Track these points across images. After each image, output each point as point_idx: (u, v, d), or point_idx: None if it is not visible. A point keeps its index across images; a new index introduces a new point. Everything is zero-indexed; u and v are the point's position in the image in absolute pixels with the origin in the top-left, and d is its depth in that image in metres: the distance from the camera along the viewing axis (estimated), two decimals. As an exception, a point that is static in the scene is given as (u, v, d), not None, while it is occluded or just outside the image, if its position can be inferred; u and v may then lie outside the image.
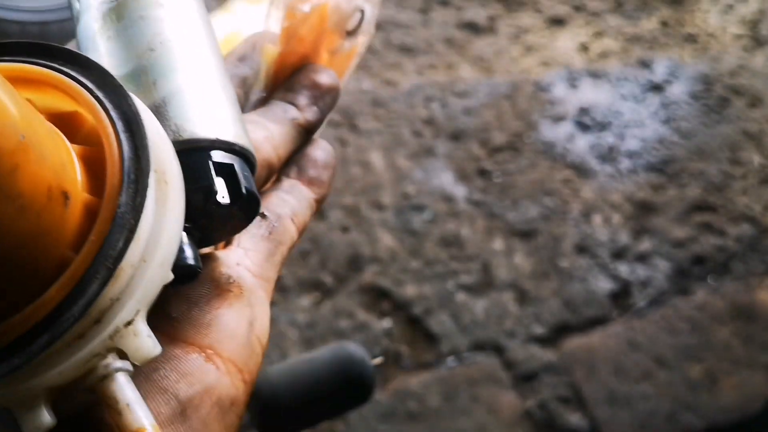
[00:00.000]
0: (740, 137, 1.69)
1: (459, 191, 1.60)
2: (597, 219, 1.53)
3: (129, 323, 0.28)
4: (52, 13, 1.83)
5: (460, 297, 1.42)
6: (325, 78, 0.47)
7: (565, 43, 1.97)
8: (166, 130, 0.34)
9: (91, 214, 0.29)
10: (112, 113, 0.30)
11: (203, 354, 0.34)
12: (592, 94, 1.78)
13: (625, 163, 1.64)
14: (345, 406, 0.81)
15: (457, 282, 1.44)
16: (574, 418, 1.26)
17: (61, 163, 0.29)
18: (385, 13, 1.99)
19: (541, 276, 1.44)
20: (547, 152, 1.66)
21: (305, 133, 0.46)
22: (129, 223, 0.28)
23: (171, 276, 0.31)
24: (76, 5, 0.41)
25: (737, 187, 1.59)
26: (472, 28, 2.00)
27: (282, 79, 0.48)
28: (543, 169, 1.63)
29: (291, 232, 0.42)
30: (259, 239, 0.40)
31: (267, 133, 0.43)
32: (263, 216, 0.40)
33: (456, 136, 1.72)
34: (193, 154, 0.34)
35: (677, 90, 1.81)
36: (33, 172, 0.26)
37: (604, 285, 1.42)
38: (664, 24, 2.00)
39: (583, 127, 1.72)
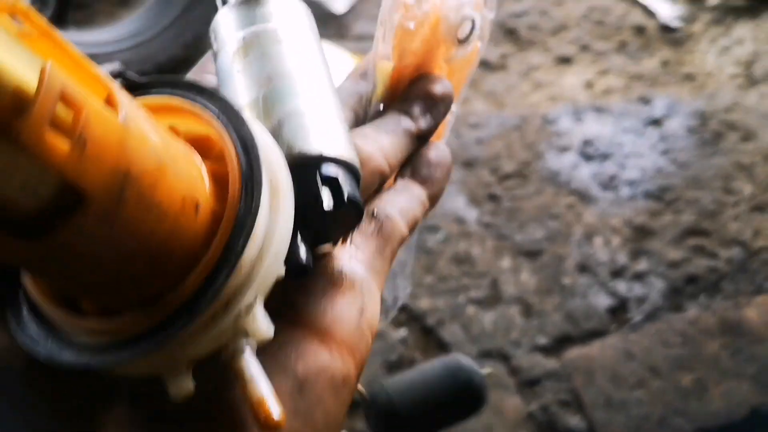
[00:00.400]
0: (733, 168, 1.80)
1: (471, 214, 1.71)
2: (598, 241, 1.65)
3: (249, 308, 0.32)
4: (101, 47, 1.98)
5: (470, 310, 1.53)
6: (438, 87, 0.48)
7: (572, 80, 2.09)
8: (282, 147, 0.38)
9: (217, 218, 0.33)
10: (233, 135, 0.35)
11: (319, 337, 0.37)
12: (595, 127, 1.91)
13: (625, 191, 1.76)
14: (459, 415, 0.83)
15: (468, 296, 1.55)
16: (574, 421, 1.35)
17: (193, 178, 0.33)
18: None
19: (545, 292, 1.55)
20: (552, 180, 1.78)
21: (418, 141, 0.47)
22: (247, 225, 0.32)
23: (283, 269, 0.35)
24: (214, 44, 0.46)
25: (729, 214, 1.70)
26: (485, 65, 2.13)
27: (399, 91, 0.49)
28: (548, 195, 1.75)
29: (400, 228, 0.43)
30: (368, 236, 0.42)
31: (378, 144, 0.44)
32: (373, 215, 0.43)
33: (468, 164, 1.85)
34: (303, 167, 0.38)
35: (675, 124, 1.93)
36: (169, 186, 0.30)
37: (603, 301, 1.53)
38: (665, 64, 2.13)
39: (586, 157, 1.84)
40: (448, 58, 0.50)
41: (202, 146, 0.37)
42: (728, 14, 2.28)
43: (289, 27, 0.44)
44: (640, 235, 1.66)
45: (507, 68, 2.13)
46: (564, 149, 1.85)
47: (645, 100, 2.00)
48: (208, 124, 0.36)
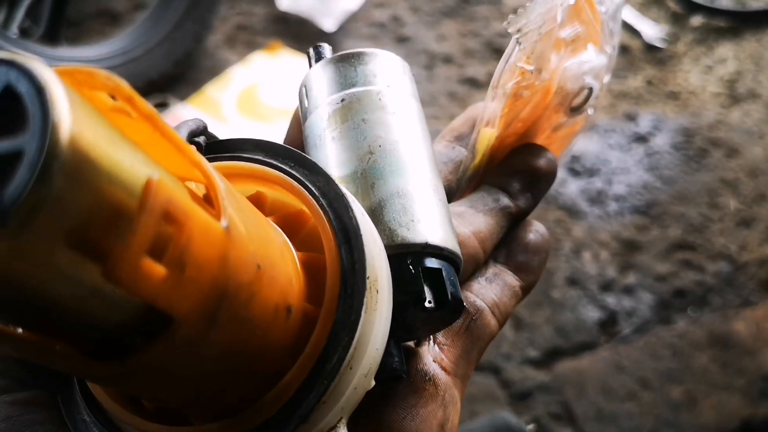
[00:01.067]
0: (718, 184, 1.83)
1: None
2: (587, 255, 1.66)
3: (332, 429, 0.28)
4: (92, 64, 1.99)
5: (461, 324, 1.53)
6: (542, 162, 0.43)
7: (558, 98, 2.12)
8: (379, 232, 0.34)
9: (308, 320, 0.29)
10: (335, 223, 0.30)
11: None
12: (582, 144, 1.93)
13: (612, 206, 1.78)
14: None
15: (458, 310, 1.55)
16: (565, 433, 1.36)
17: (288, 280, 0.29)
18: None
19: (535, 305, 1.55)
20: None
21: (515, 221, 0.43)
22: (343, 341, 0.28)
23: (373, 383, 0.30)
24: (305, 103, 0.41)
25: (715, 228, 1.72)
26: (473, 83, 2.16)
27: (497, 159, 0.44)
28: (537, 210, 1.75)
29: (491, 326, 0.39)
30: (456, 334, 0.38)
31: (474, 228, 0.40)
32: (463, 309, 0.37)
33: (457, 180, 1.86)
34: (403, 258, 0.34)
35: (660, 141, 1.95)
36: (265, 296, 0.26)
37: (592, 314, 1.54)
38: (649, 82, 2.16)
39: (574, 173, 1.86)
40: (556, 126, 0.46)
41: (293, 224, 0.33)
42: (711, 34, 2.32)
43: (392, 90, 0.39)
44: (628, 249, 1.67)
45: (495, 86, 2.15)
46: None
47: (630, 117, 2.03)
48: (303, 202, 0.31)
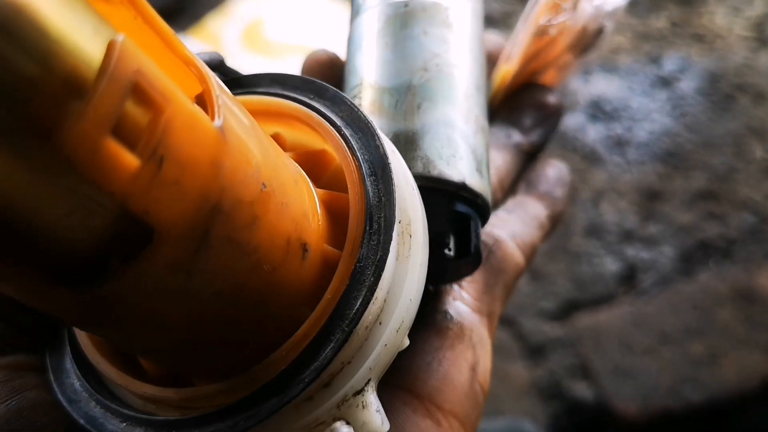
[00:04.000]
0: (744, 132, 1.75)
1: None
2: (605, 204, 1.60)
3: (358, 393, 0.25)
4: None
5: (474, 273, 1.48)
6: (552, 98, 0.42)
7: (577, 38, 2.02)
8: (412, 159, 0.31)
9: (329, 266, 0.26)
10: (359, 154, 0.27)
11: (424, 406, 0.31)
12: (603, 87, 1.84)
13: (633, 153, 1.70)
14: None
15: (471, 259, 1.50)
16: (581, 388, 1.31)
17: (303, 212, 0.25)
18: (404, 3, 2.05)
19: (551, 256, 1.50)
20: (558, 140, 1.72)
21: (528, 157, 0.41)
22: (368, 280, 0.25)
23: (407, 342, 0.27)
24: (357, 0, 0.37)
25: (740, 178, 1.65)
26: (488, 21, 2.05)
27: (508, 96, 0.43)
28: (555, 156, 1.69)
29: (514, 257, 0.36)
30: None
31: (491, 164, 0.38)
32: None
33: (471, 123, 1.78)
34: (434, 193, 0.31)
35: (684, 86, 1.87)
36: (272, 223, 0.23)
37: (611, 266, 1.49)
38: (673, 23, 2.06)
39: (593, 117, 1.78)
40: (563, 65, 0.45)
41: (315, 165, 0.29)
42: (739, -27, 2.21)
43: (461, 10, 0.36)
44: (648, 199, 1.61)
45: (510, 25, 2.05)
46: (571, 109, 1.79)
47: (653, 60, 1.94)
48: (324, 137, 0.28)
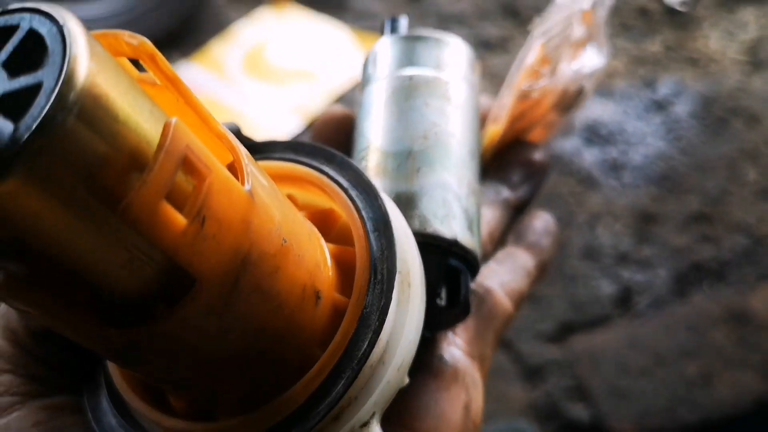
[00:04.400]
0: (737, 155, 1.78)
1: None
2: (601, 227, 1.62)
3: (365, 425, 0.28)
4: (93, 22, 1.94)
5: (473, 295, 1.50)
6: (538, 156, 0.45)
7: (574, 62, 2.06)
8: (410, 218, 0.34)
9: (338, 312, 0.29)
10: (364, 213, 0.30)
11: None
12: (598, 111, 1.88)
13: (628, 176, 1.73)
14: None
15: (470, 282, 1.52)
16: (578, 409, 1.34)
17: (316, 264, 0.28)
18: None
19: (548, 279, 1.52)
20: (555, 164, 1.75)
21: (516, 211, 0.44)
22: (373, 324, 0.28)
23: (407, 380, 0.30)
24: (371, 69, 0.41)
25: (733, 200, 1.68)
26: (486, 45, 2.09)
27: (497, 154, 0.46)
28: (550, 180, 1.72)
29: (503, 306, 0.39)
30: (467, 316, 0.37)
31: (481, 219, 0.40)
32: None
33: (470, 147, 1.81)
34: (430, 249, 0.35)
35: (679, 109, 1.90)
36: (291, 273, 0.26)
37: (607, 288, 1.51)
38: (668, 47, 2.10)
39: (589, 141, 1.81)
40: (549, 124, 0.47)
41: (324, 222, 0.33)
42: (732, -3, 2.25)
43: (459, 84, 0.40)
44: (643, 221, 1.64)
45: (508, 49, 2.09)
46: (566, 133, 1.83)
47: (648, 84, 1.97)
48: (332, 198, 0.31)
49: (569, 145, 1.79)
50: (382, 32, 0.44)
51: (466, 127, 0.39)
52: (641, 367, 1.38)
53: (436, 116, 0.38)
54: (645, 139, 1.82)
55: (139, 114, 0.21)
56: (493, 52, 2.08)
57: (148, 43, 0.25)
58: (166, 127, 0.21)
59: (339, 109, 0.44)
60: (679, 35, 2.14)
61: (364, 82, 0.42)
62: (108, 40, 0.24)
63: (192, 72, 1.88)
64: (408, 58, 0.40)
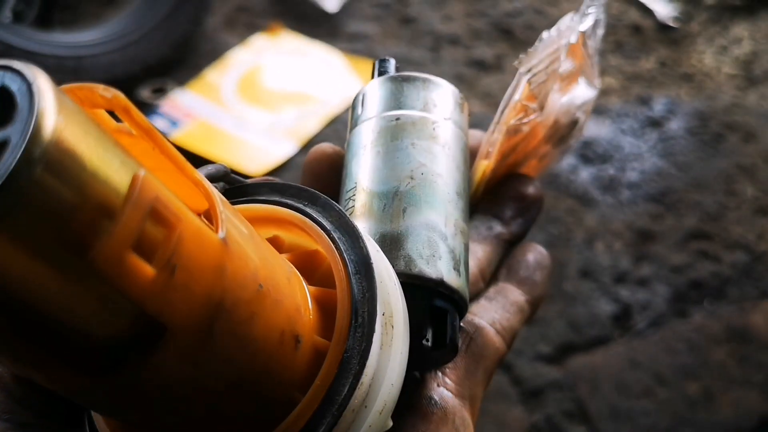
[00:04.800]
0: (734, 170, 1.78)
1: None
2: (599, 246, 1.61)
3: None
4: (87, 49, 1.93)
5: (470, 317, 1.48)
6: (531, 189, 0.44)
7: (568, 80, 2.06)
8: (396, 258, 0.34)
9: (320, 355, 0.28)
10: (346, 255, 0.30)
11: None
12: (594, 129, 1.87)
13: (625, 194, 1.72)
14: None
15: (467, 303, 1.51)
16: (579, 432, 1.32)
17: (296, 308, 0.28)
18: (397, 51, 2.09)
19: (547, 299, 1.51)
20: (552, 183, 1.74)
21: (509, 247, 0.43)
22: (354, 368, 0.27)
23: (390, 423, 0.30)
24: (359, 110, 0.41)
25: (732, 217, 1.67)
26: (480, 65, 2.10)
27: (489, 189, 0.45)
28: (548, 198, 1.71)
29: (494, 344, 0.38)
30: (457, 355, 0.36)
31: (472, 256, 0.40)
32: (460, 328, 0.37)
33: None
34: (415, 290, 0.34)
35: (674, 126, 1.90)
36: (268, 318, 0.26)
37: (606, 307, 1.50)
38: (662, 64, 2.10)
39: (585, 159, 1.81)
40: (542, 156, 0.47)
41: (309, 264, 0.33)
42: (725, 13, 2.26)
43: (447, 124, 0.40)
44: (642, 239, 1.62)
45: (503, 69, 2.09)
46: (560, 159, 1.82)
47: (643, 101, 1.97)
48: (316, 239, 0.31)
49: (565, 163, 1.79)
50: (373, 72, 0.44)
51: (452, 167, 0.39)
52: (642, 387, 1.36)
53: (422, 156, 0.38)
54: (641, 156, 1.82)
55: (109, 165, 0.21)
56: (487, 72, 2.08)
57: (122, 96, 0.25)
58: (134, 180, 0.21)
59: (329, 147, 0.44)
60: (673, 52, 2.14)
61: (352, 123, 0.42)
62: (83, 93, 0.25)
63: (188, 99, 1.88)
64: (395, 98, 0.41)
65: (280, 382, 0.27)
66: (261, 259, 0.26)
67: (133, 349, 0.23)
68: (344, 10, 2.21)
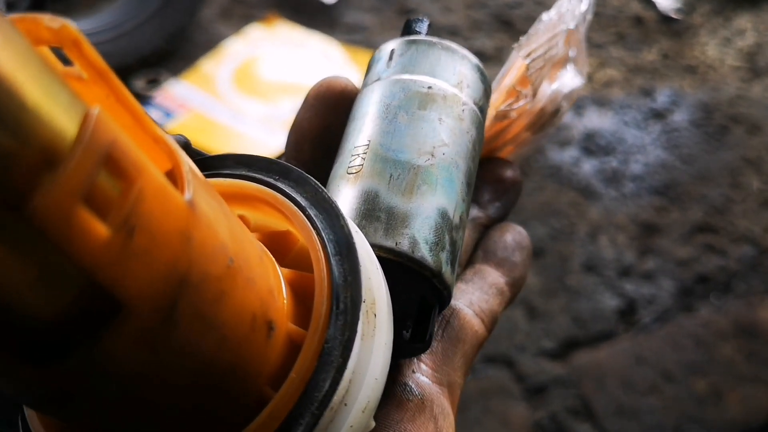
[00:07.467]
0: (740, 163, 1.75)
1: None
2: (603, 239, 1.58)
3: None
4: (103, 35, 1.89)
5: (472, 313, 1.45)
6: (509, 173, 0.42)
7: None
8: (400, 236, 0.31)
9: (294, 345, 0.26)
10: (324, 234, 0.27)
11: None
12: (596, 121, 1.84)
13: (629, 187, 1.69)
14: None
15: (469, 298, 1.48)
16: (584, 429, 1.29)
17: (269, 290, 0.25)
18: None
19: (549, 293, 1.48)
20: (554, 176, 1.71)
21: (485, 230, 0.41)
22: (336, 362, 0.24)
23: (373, 424, 0.27)
24: (384, 64, 0.38)
25: (737, 210, 1.64)
26: (480, 57, 2.06)
27: None
28: (550, 191, 1.68)
29: (472, 327, 0.35)
30: (432, 340, 0.34)
31: None
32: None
33: (466, 160, 1.77)
34: (410, 275, 0.32)
35: (678, 118, 1.87)
36: (239, 299, 0.23)
37: (610, 302, 1.47)
38: (665, 56, 2.07)
39: (588, 152, 1.77)
40: (521, 142, 0.47)
41: (279, 245, 0.30)
42: (728, 4, 2.22)
43: (473, 109, 0.38)
44: (646, 232, 1.59)
45: (502, 60, 2.05)
46: (565, 144, 1.79)
47: (646, 93, 1.94)
48: (288, 218, 0.28)
49: (568, 156, 1.76)
50: (404, 31, 0.41)
51: (469, 156, 0.36)
52: (648, 384, 1.33)
53: (446, 135, 0.35)
54: (644, 148, 1.78)
55: (54, 102, 0.17)
56: (487, 63, 2.04)
57: (72, 27, 0.20)
58: (86, 118, 0.18)
59: (341, 82, 0.40)
60: (676, 43, 2.11)
61: (372, 74, 0.39)
62: (26, 25, 0.20)
63: (182, 90, 1.84)
64: (431, 65, 0.37)
65: (249, 375, 0.24)
66: (231, 231, 0.23)
67: (81, 331, 0.19)
68: (342, 0, 2.18)
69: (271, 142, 1.73)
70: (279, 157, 0.35)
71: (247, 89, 1.88)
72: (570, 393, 1.33)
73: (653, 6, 2.22)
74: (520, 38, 0.42)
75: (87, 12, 2.05)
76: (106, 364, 0.19)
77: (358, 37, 2.08)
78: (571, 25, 0.43)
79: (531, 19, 1.86)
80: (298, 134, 0.40)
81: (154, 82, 1.85)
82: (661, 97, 1.93)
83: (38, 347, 0.19)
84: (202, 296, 0.21)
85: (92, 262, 0.18)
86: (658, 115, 1.87)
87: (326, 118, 0.39)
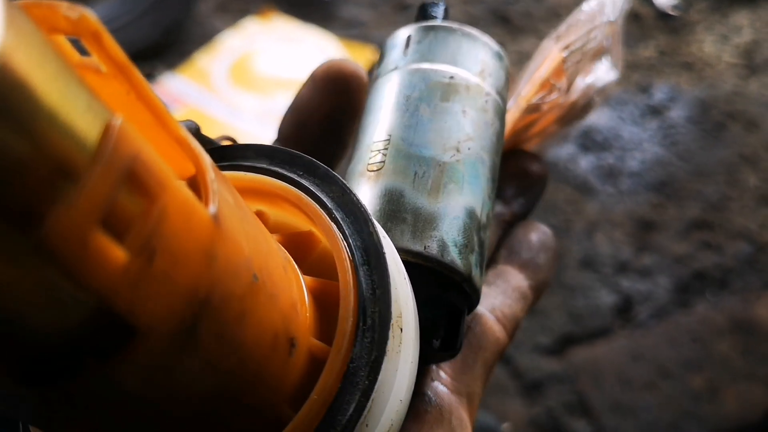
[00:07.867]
0: (737, 160, 1.74)
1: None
2: (599, 236, 1.58)
3: None
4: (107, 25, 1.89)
5: (468, 309, 1.45)
6: (535, 166, 0.41)
7: (567, 68, 2.02)
8: (428, 239, 0.30)
9: (316, 362, 0.24)
10: (351, 240, 0.25)
11: None
12: (593, 117, 1.84)
13: (626, 183, 1.69)
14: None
15: (465, 294, 1.47)
16: (580, 426, 1.29)
17: (292, 304, 0.24)
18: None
19: (551, 284, 1.47)
20: (550, 171, 1.71)
21: (509, 227, 0.39)
22: (362, 384, 0.23)
23: None
24: (400, 52, 0.36)
25: (734, 206, 1.64)
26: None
27: None
28: (547, 188, 1.67)
29: (494, 333, 0.34)
30: None
31: None
32: None
33: (462, 155, 1.76)
34: (440, 280, 0.30)
35: (675, 114, 1.86)
36: (261, 318, 0.21)
37: (607, 298, 1.46)
38: (662, 52, 2.07)
39: (584, 148, 1.77)
40: (548, 134, 0.45)
41: (300, 248, 0.27)
42: (724, 1, 2.22)
43: (495, 100, 0.36)
44: (643, 229, 1.59)
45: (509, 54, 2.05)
46: (562, 140, 1.78)
47: (643, 89, 1.94)
48: (312, 219, 0.26)
49: (564, 151, 1.75)
50: (418, 16, 0.40)
51: (494, 149, 0.34)
52: (644, 380, 1.33)
53: (471, 129, 0.33)
54: (641, 144, 1.78)
55: (73, 107, 0.16)
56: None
57: (91, 17, 0.19)
58: (107, 130, 0.16)
59: (350, 63, 0.37)
60: (673, 40, 2.11)
61: (388, 63, 0.36)
62: (41, 12, 0.19)
63: (178, 84, 1.83)
64: (452, 53, 0.35)
65: (268, 395, 0.23)
66: (255, 242, 0.21)
67: (91, 354, 0.18)
68: (338, -5, 2.17)
69: (268, 137, 1.72)
70: None
71: (243, 84, 1.87)
72: (566, 389, 1.33)
73: (650, 2, 2.22)
74: (560, 28, 0.41)
75: (82, 5, 2.03)
76: (114, 388, 0.18)
77: (355, 32, 2.07)
78: (612, 17, 0.42)
79: (528, 16, 1.86)
80: (301, 113, 0.37)
81: (150, 76, 1.84)
82: (658, 94, 1.92)
83: (44, 369, 0.18)
84: (223, 317, 0.19)
85: (107, 288, 0.16)
86: (655, 111, 1.87)
87: (336, 99, 0.37)
